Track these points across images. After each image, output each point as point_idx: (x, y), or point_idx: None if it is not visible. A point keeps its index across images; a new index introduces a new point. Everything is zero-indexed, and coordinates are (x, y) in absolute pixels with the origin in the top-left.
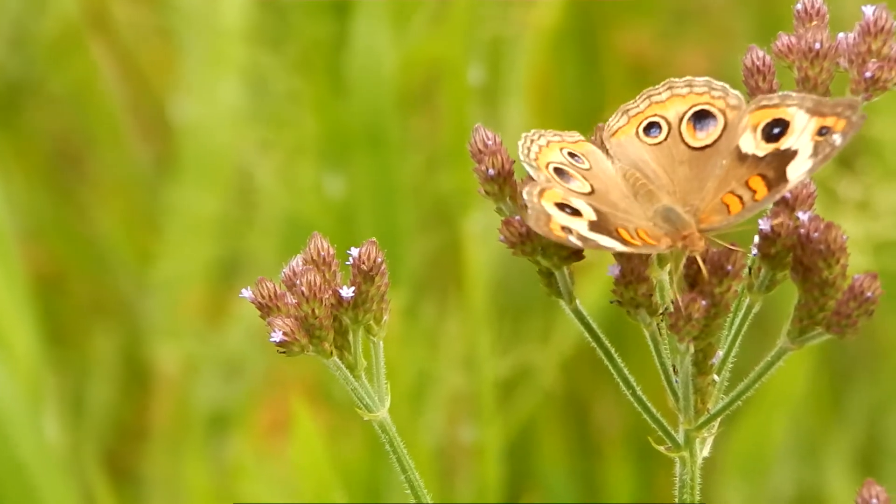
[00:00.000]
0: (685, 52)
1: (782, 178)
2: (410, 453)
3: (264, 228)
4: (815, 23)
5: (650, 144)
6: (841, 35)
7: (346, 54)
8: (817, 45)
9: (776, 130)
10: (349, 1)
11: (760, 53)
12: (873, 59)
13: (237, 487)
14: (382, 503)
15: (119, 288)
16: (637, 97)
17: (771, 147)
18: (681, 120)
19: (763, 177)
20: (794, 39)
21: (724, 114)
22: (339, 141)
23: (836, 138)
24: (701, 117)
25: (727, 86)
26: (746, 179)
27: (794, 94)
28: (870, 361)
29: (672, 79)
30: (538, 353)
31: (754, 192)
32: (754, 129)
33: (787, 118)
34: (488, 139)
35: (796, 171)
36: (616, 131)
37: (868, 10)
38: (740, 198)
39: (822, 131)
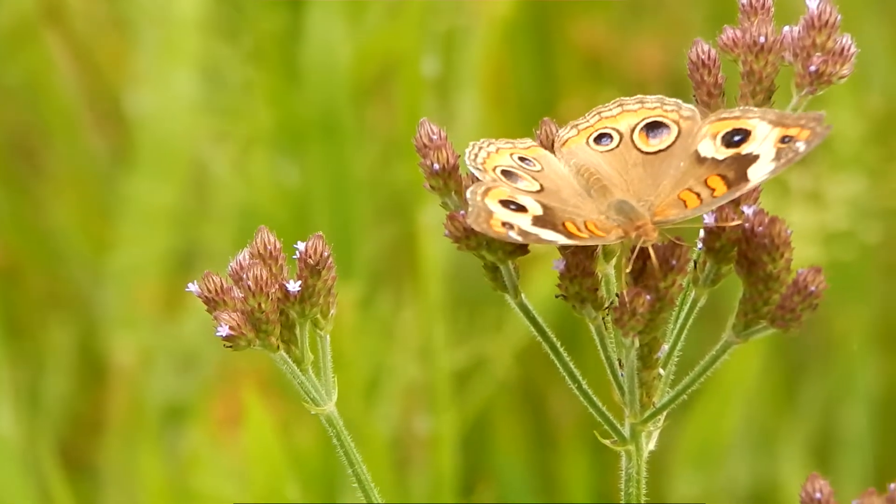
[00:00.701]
0: (640, 43)
1: (743, 178)
2: (365, 444)
3: (220, 219)
4: (760, 16)
5: (602, 151)
6: (786, 29)
7: (300, 46)
8: (762, 39)
9: (737, 138)
10: None
11: (706, 47)
12: (818, 53)
13: (192, 479)
14: (335, 496)
15: (75, 280)
16: (587, 114)
17: (731, 151)
18: (633, 130)
19: (723, 177)
20: (739, 33)
21: (677, 124)
22: (294, 132)
23: (800, 145)
24: (654, 127)
25: (680, 101)
26: (705, 178)
27: (755, 108)
28: (824, 352)
29: (622, 97)
30: (492, 343)
31: (713, 189)
32: (714, 136)
33: (748, 128)
34: (433, 134)
35: (758, 173)
36: (566, 141)
37: (812, 4)
38: (698, 194)
39: (785, 139)
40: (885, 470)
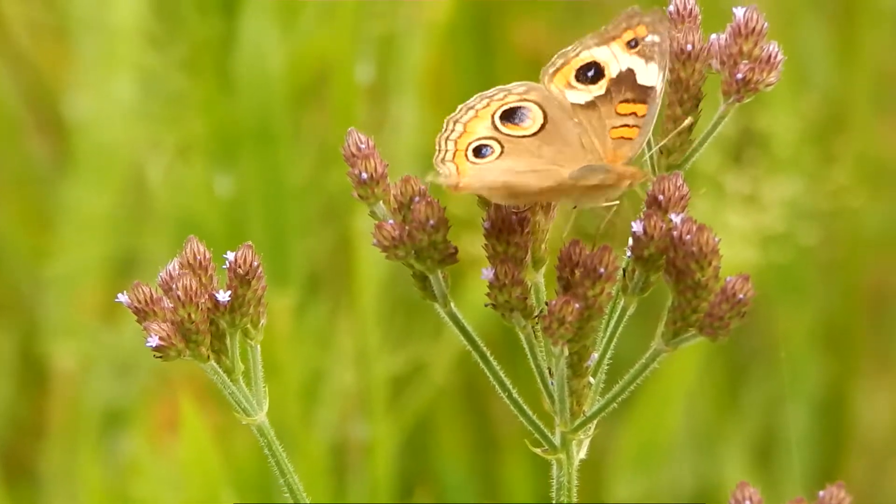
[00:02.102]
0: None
1: (643, 88)
2: (303, 452)
3: (158, 227)
4: (687, 24)
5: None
6: (713, 36)
7: (233, 53)
8: (689, 47)
9: (590, 73)
10: None
11: None
12: (745, 61)
13: (131, 485)
14: (271, 502)
15: (15, 285)
16: (458, 112)
17: (603, 84)
18: (494, 118)
19: (626, 100)
20: None
21: (535, 103)
22: (229, 139)
23: (650, 38)
24: (513, 112)
25: (510, 84)
26: (615, 111)
27: (573, 45)
28: (766, 353)
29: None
30: (433, 348)
31: (633, 113)
32: (568, 85)
33: (589, 60)
34: (361, 143)
35: (648, 77)
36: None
37: (739, 12)
38: (626, 125)
39: (632, 43)
40: (827, 470)
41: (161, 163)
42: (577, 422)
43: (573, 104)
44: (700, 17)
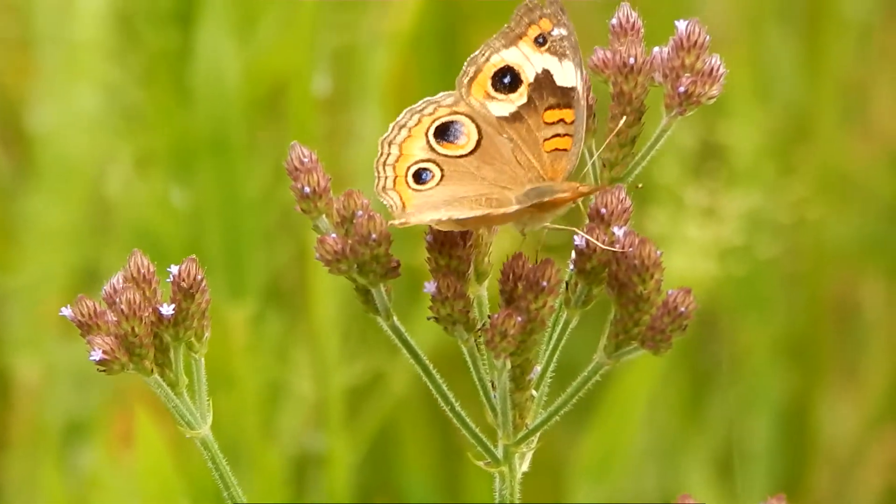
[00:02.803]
0: None
1: (564, 90)
2: (260, 465)
3: (119, 239)
4: (630, 37)
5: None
6: (656, 49)
7: (190, 64)
8: (632, 60)
9: (506, 80)
10: (193, 11)
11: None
12: (687, 74)
13: (90, 498)
14: None
15: None
16: (391, 131)
17: (523, 91)
18: (428, 137)
19: (551, 106)
20: (609, 54)
21: (466, 116)
22: (185, 151)
23: (557, 32)
24: (446, 128)
25: (437, 96)
26: (542, 121)
27: (480, 49)
28: (730, 364)
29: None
30: (392, 359)
31: (561, 119)
32: (487, 95)
33: (502, 65)
34: (304, 157)
35: (566, 77)
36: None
37: (681, 25)
38: (558, 134)
39: (540, 40)
40: (792, 481)
41: (120, 175)
42: (520, 435)
43: (499, 118)
44: (643, 30)
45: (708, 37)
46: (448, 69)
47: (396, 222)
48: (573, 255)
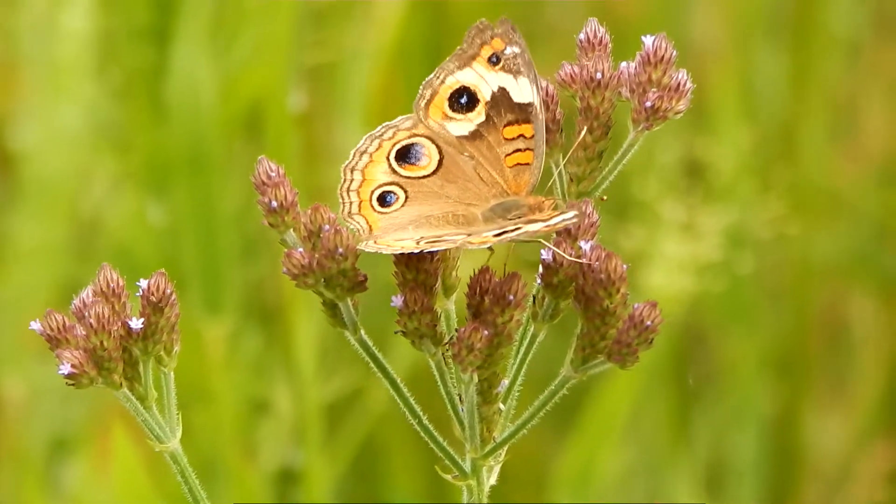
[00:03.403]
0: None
1: (521, 106)
2: (238, 480)
3: (100, 256)
4: (597, 52)
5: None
6: (623, 65)
7: (166, 82)
8: (599, 75)
9: (462, 100)
10: (170, 28)
11: (543, 83)
12: (653, 89)
13: None
14: None
15: None
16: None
17: (480, 110)
18: (390, 160)
19: (510, 122)
20: (576, 69)
21: (426, 138)
22: (162, 168)
23: (510, 50)
24: (406, 151)
25: (395, 120)
26: (502, 137)
27: (435, 71)
28: (717, 379)
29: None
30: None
31: (521, 135)
32: (445, 116)
33: (457, 86)
34: (272, 171)
35: (522, 94)
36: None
37: (648, 41)
38: (519, 149)
39: (493, 59)
40: (780, 495)
41: (99, 192)
42: (488, 448)
43: (458, 137)
44: (610, 45)
45: (675, 52)
46: None
47: (365, 247)
48: (540, 268)
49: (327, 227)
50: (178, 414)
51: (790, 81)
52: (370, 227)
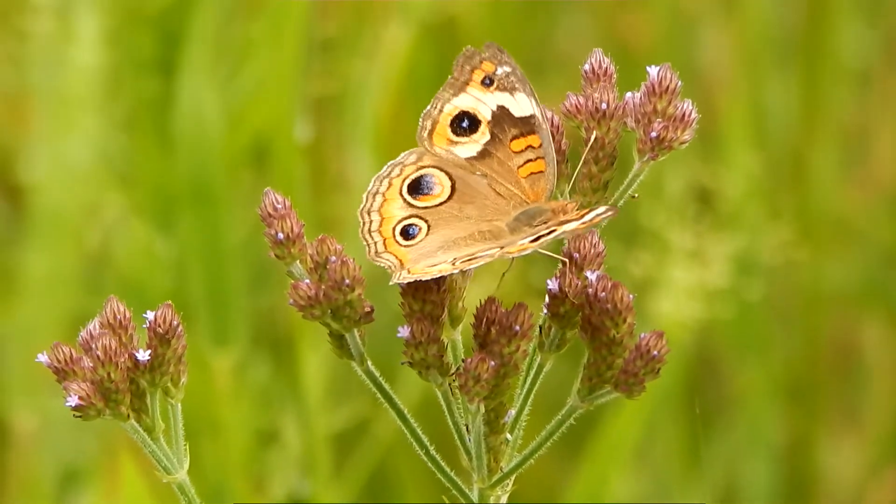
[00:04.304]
0: (545, 100)
1: (523, 120)
2: None
3: (110, 287)
4: (602, 83)
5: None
6: (628, 95)
7: (172, 114)
8: (604, 106)
9: (464, 124)
10: (176, 60)
11: (549, 113)
12: (658, 119)
13: None
14: None
15: None
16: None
17: (484, 129)
18: (404, 195)
19: (515, 136)
20: (581, 100)
21: (434, 168)
22: (169, 200)
23: (501, 70)
24: (418, 184)
25: (399, 157)
26: (511, 151)
27: (431, 103)
28: (728, 407)
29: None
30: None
31: (528, 146)
32: (450, 142)
33: (456, 112)
34: (278, 203)
35: (522, 108)
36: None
37: (653, 71)
38: (529, 160)
39: (487, 81)
40: None
41: (107, 224)
42: (495, 478)
43: (468, 158)
44: (615, 75)
45: (679, 82)
46: None
47: (401, 279)
48: (546, 298)
49: (334, 258)
50: (185, 445)
51: (800, 109)
52: (401, 261)
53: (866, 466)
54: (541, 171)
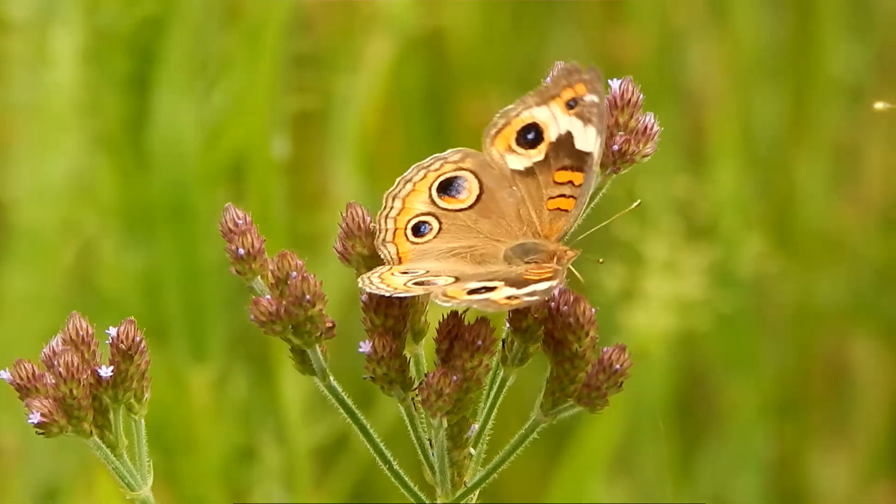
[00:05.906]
0: None
1: (580, 154)
2: None
3: (90, 304)
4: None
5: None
6: None
7: (148, 129)
8: None
9: (530, 136)
10: (151, 75)
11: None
12: (620, 133)
13: None
14: None
15: None
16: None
17: (542, 148)
18: (432, 191)
19: (564, 167)
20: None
21: (469, 170)
22: (145, 216)
23: (589, 98)
24: (449, 183)
25: (445, 152)
26: (552, 180)
27: (514, 104)
28: (718, 421)
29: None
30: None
31: (570, 181)
32: (509, 149)
33: (530, 121)
34: (238, 219)
35: (586, 142)
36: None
37: (615, 84)
38: (563, 195)
39: (571, 104)
40: None
41: (84, 240)
42: (459, 493)
43: (513, 171)
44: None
45: (641, 95)
46: (438, 132)
47: (367, 286)
48: (509, 313)
49: (294, 273)
50: (149, 461)
51: (789, 125)
52: (399, 257)
53: (857, 481)
54: (567, 210)
